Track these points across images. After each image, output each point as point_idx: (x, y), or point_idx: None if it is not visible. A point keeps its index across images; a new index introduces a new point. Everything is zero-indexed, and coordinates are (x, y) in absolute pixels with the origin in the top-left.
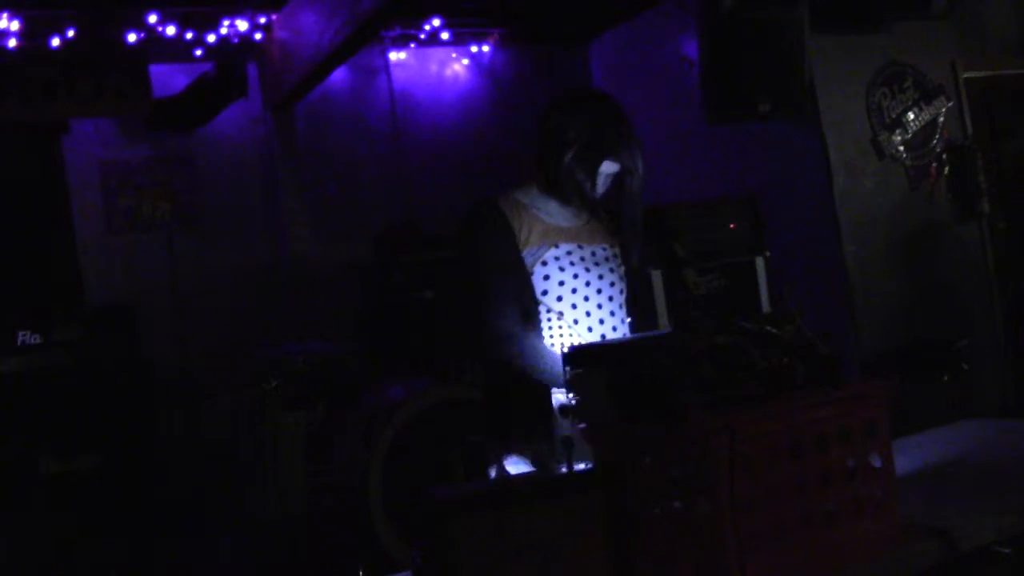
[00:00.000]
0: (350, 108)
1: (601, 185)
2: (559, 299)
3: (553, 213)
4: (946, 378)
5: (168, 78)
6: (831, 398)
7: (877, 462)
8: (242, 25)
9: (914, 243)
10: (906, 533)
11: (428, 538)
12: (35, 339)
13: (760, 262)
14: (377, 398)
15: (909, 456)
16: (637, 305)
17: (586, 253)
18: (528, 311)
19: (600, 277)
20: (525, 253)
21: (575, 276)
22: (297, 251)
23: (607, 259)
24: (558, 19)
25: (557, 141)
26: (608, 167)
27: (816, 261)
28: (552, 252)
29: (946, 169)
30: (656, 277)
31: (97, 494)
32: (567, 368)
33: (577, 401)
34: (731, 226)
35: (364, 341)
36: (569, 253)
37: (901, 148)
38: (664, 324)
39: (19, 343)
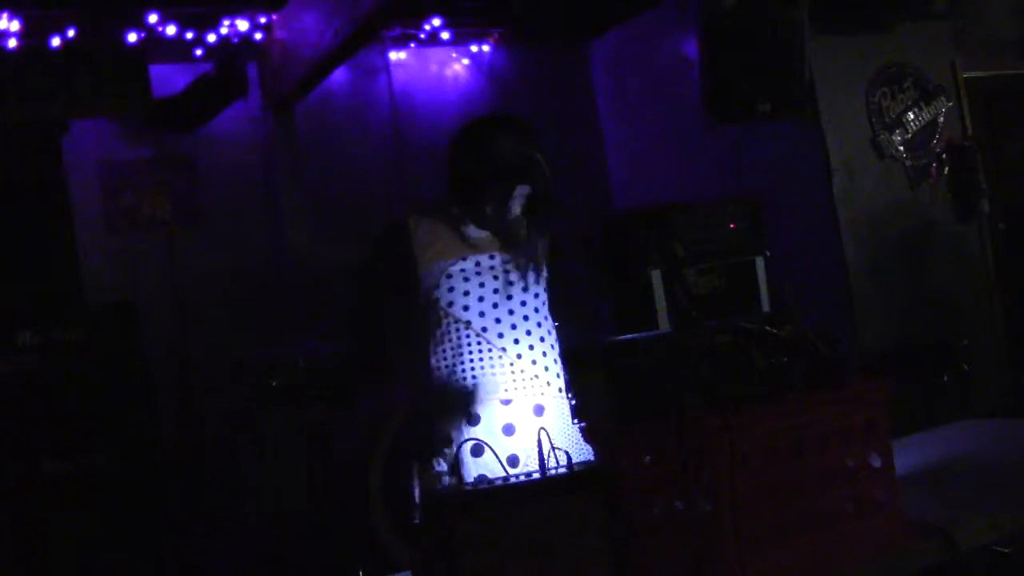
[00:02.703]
0: (350, 108)
1: (515, 207)
2: (465, 308)
3: (466, 226)
4: (946, 378)
5: (168, 78)
6: (831, 398)
7: (877, 462)
8: (242, 25)
9: (914, 243)
10: (906, 533)
11: (428, 538)
12: (35, 339)
13: (760, 262)
14: (377, 398)
15: (909, 456)
16: (561, 309)
17: (496, 263)
18: (428, 335)
19: (509, 284)
20: (431, 268)
21: (481, 285)
22: (297, 251)
23: (520, 266)
24: (558, 19)
25: (469, 171)
26: (521, 190)
27: (816, 261)
28: (459, 264)
29: (946, 169)
30: (656, 277)
31: (98, 494)
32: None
33: (577, 401)
34: (731, 226)
35: (363, 341)
36: (478, 264)
37: (901, 148)
38: (664, 324)
39: (19, 343)
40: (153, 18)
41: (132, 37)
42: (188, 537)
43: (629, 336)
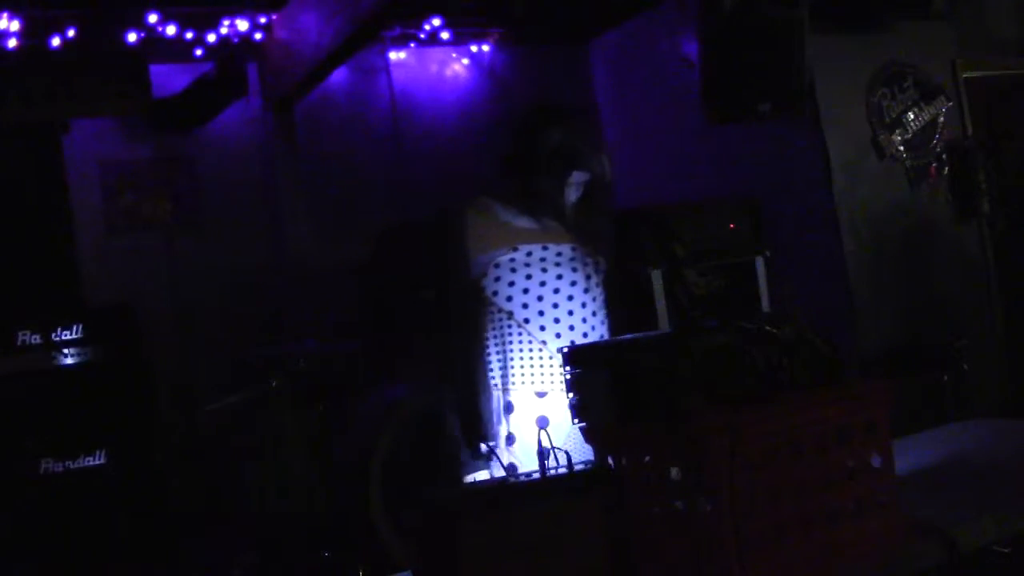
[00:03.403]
0: (350, 108)
1: (572, 194)
2: (509, 299)
3: (520, 216)
4: (946, 378)
5: (168, 78)
6: (831, 398)
7: (877, 462)
8: (242, 25)
9: (914, 243)
10: (906, 533)
11: (429, 538)
12: (35, 339)
13: (760, 262)
14: (377, 398)
15: (909, 456)
16: (615, 304)
17: (549, 253)
18: (471, 327)
19: (559, 277)
20: (480, 257)
21: (528, 277)
22: (297, 251)
23: (572, 259)
24: (558, 19)
25: (526, 154)
26: (578, 177)
27: (816, 261)
28: (508, 255)
29: (946, 169)
30: (656, 277)
31: (98, 494)
32: (566, 368)
33: (577, 401)
34: (731, 226)
35: (364, 341)
36: (529, 254)
37: (901, 148)
38: (664, 324)
39: (19, 343)
40: (153, 18)
41: (132, 37)
42: (187, 537)
43: (629, 336)
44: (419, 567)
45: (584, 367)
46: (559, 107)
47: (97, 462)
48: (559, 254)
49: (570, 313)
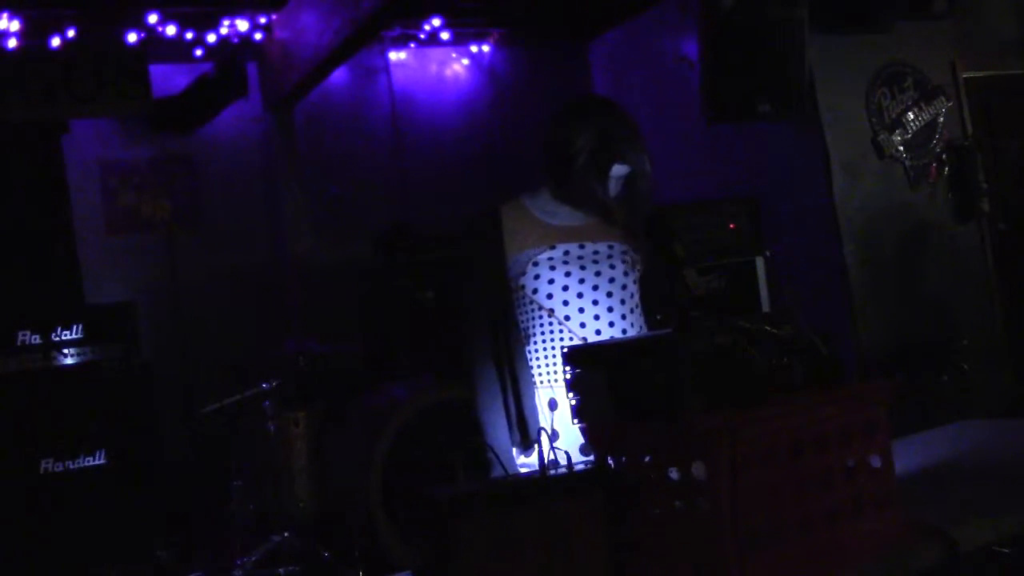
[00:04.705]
0: (350, 108)
1: (613, 188)
2: (549, 296)
3: (558, 215)
4: (946, 378)
5: (168, 78)
6: (831, 398)
7: (877, 462)
8: (242, 25)
9: (914, 243)
10: (906, 533)
11: (428, 538)
12: (35, 339)
13: (760, 262)
14: (377, 398)
15: (909, 456)
16: (651, 302)
17: (586, 252)
18: (510, 324)
19: (597, 274)
20: (519, 256)
21: (567, 275)
22: (297, 251)
23: (610, 256)
24: (558, 19)
25: (566, 148)
26: (618, 170)
27: (816, 261)
28: (546, 253)
29: (946, 169)
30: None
31: (97, 495)
32: (567, 368)
33: (577, 401)
34: (731, 226)
35: (364, 341)
36: (566, 253)
37: (901, 148)
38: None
39: (19, 343)
40: (153, 18)
41: (132, 37)
42: (187, 537)
43: (629, 336)
44: (418, 567)
45: (584, 367)
46: (595, 101)
47: (97, 462)
48: (596, 252)
49: (610, 310)
